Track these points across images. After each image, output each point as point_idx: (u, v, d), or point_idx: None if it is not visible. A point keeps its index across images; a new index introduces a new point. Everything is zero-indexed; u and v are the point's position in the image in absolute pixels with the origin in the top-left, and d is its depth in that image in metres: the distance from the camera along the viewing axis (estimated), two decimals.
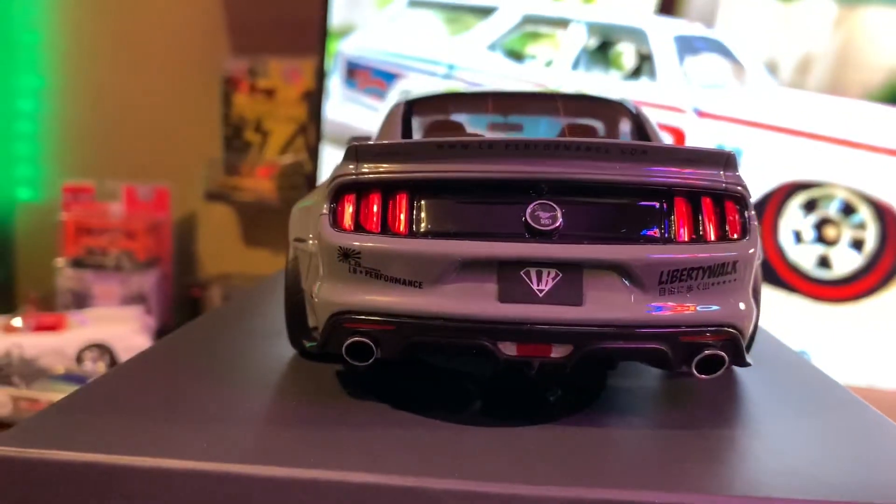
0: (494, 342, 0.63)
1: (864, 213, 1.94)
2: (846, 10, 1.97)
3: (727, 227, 0.64)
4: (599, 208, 0.64)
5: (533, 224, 0.63)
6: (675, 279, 0.62)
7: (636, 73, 2.16)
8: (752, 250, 0.64)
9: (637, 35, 2.15)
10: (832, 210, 1.96)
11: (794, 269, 1.99)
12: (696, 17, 2.10)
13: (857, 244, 1.95)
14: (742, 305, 0.64)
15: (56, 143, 2.95)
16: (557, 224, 0.62)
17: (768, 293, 2.00)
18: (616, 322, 0.62)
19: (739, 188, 0.64)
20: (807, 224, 1.98)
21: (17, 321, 2.15)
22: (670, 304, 0.62)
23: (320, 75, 2.44)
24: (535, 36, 2.24)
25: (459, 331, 0.63)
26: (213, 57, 2.79)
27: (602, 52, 2.19)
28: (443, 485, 0.54)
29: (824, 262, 1.98)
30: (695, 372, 0.64)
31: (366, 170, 0.66)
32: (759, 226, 0.67)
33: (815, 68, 1.99)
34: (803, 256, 1.99)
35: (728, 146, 2.02)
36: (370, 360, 0.65)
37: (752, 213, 0.65)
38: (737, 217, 0.64)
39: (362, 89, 2.39)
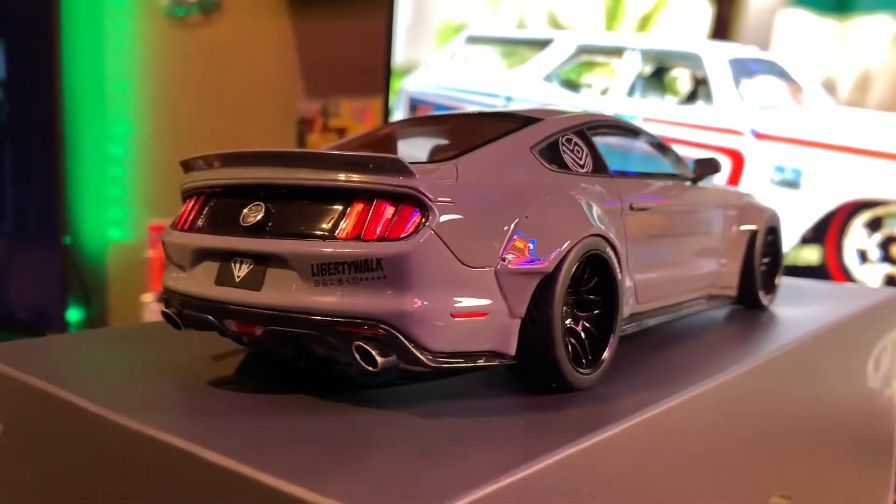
0: (219, 319, 0.74)
1: None
2: None
3: (389, 228, 0.66)
4: (290, 208, 0.72)
5: (241, 222, 0.73)
6: (326, 272, 0.67)
7: (692, 97, 2.16)
8: (405, 251, 0.65)
9: (692, 60, 2.16)
10: None
11: None
12: (751, 39, 2.10)
13: None
14: (403, 304, 0.65)
15: (143, 184, 3.14)
16: (257, 221, 0.72)
17: None
18: (279, 307, 0.69)
19: (413, 192, 0.66)
20: (872, 243, 1.93)
21: None
22: (322, 294, 0.67)
23: (386, 113, 2.54)
24: (590, 65, 2.28)
25: (197, 307, 0.76)
26: (289, 100, 2.93)
27: (657, 77, 2.21)
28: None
29: (893, 282, 1.92)
30: (362, 364, 0.67)
31: (184, 181, 0.83)
32: (456, 231, 0.67)
33: (874, 85, 1.95)
34: (870, 276, 1.94)
35: (787, 167, 2.00)
36: (182, 329, 0.80)
37: (435, 217, 0.66)
38: (402, 219, 0.66)
39: None
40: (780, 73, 2.07)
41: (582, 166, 0.87)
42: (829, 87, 2.00)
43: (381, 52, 2.53)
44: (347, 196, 0.69)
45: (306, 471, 0.54)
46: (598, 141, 0.94)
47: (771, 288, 1.27)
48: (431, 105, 2.45)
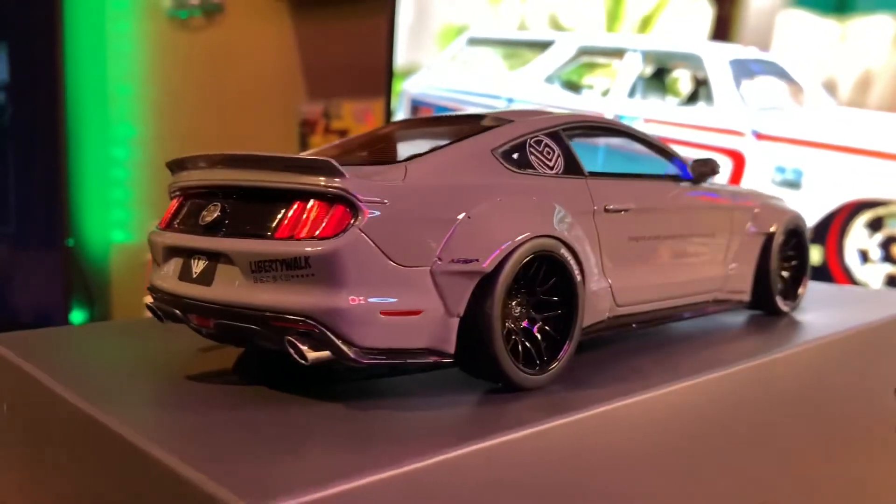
0: (184, 312, 0.79)
1: None
2: None
3: (318, 228, 0.69)
4: (240, 208, 0.76)
5: (199, 221, 0.77)
6: (262, 269, 0.70)
7: (693, 98, 2.17)
8: (330, 249, 0.67)
9: (692, 61, 2.16)
10: None
11: None
12: (751, 40, 2.10)
13: None
14: (329, 301, 0.68)
15: (145, 187, 3.15)
16: (212, 221, 0.76)
17: None
18: (224, 302, 0.73)
19: (343, 193, 0.69)
20: (873, 243, 1.94)
21: None
22: (260, 290, 0.71)
23: (388, 114, 2.54)
24: (591, 66, 2.29)
25: (167, 301, 0.80)
26: (291, 101, 2.93)
27: (658, 79, 2.22)
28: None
29: (894, 282, 1.93)
30: (296, 357, 0.69)
31: (169, 182, 0.86)
32: (386, 231, 0.69)
33: (874, 86, 1.96)
34: (871, 276, 1.95)
35: (788, 167, 2.01)
36: (163, 322, 0.83)
37: (363, 217, 0.68)
38: (331, 219, 0.69)
39: None
40: (781, 74, 2.08)
41: (551, 168, 0.87)
42: (830, 88, 2.01)
43: (383, 54, 2.54)
44: (289, 197, 0.72)
45: (212, 459, 0.57)
46: (580, 143, 0.94)
47: (792, 294, 1.22)
48: (433, 107, 2.46)
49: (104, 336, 1.07)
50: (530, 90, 2.32)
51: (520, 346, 0.77)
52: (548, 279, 0.80)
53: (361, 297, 0.68)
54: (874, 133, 1.94)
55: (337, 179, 0.69)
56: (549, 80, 2.31)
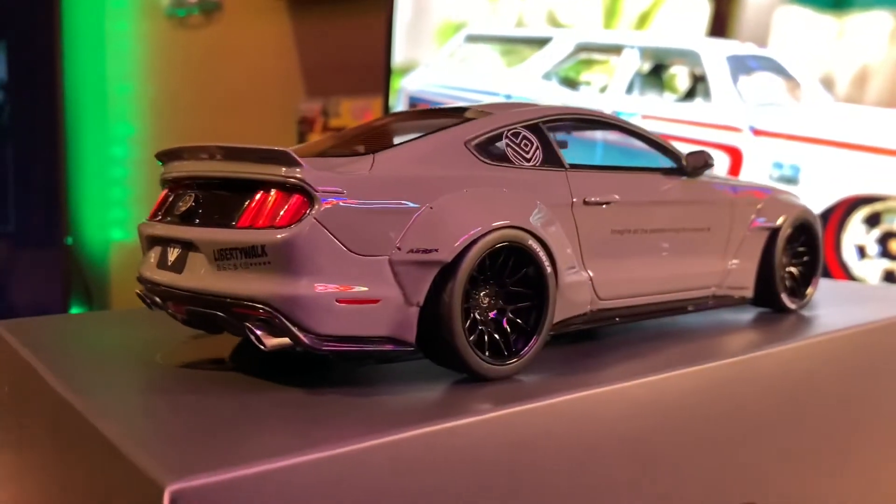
0: (163, 300, 0.80)
1: None
2: None
3: (276, 217, 0.70)
4: (209, 198, 0.78)
5: (175, 211, 0.80)
6: (224, 257, 0.72)
7: (690, 94, 2.17)
8: (285, 238, 0.69)
9: (690, 57, 2.16)
10: None
11: None
12: (748, 36, 2.11)
13: None
14: (284, 289, 0.69)
15: (144, 185, 3.14)
16: (185, 210, 0.78)
17: None
18: (192, 289, 0.76)
19: (300, 183, 0.70)
20: (871, 239, 1.94)
21: None
22: (222, 277, 0.73)
23: (386, 112, 2.55)
24: (588, 63, 2.29)
25: (149, 289, 0.82)
26: (289, 100, 2.93)
27: (656, 75, 2.22)
28: None
29: (891, 278, 1.93)
30: (256, 343, 0.71)
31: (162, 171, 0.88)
32: (338, 219, 0.70)
33: (872, 82, 1.96)
34: (869, 272, 1.95)
35: (785, 163, 2.01)
36: (152, 309, 0.85)
37: (319, 206, 0.69)
38: (289, 208, 0.70)
39: None
40: (778, 70, 2.08)
41: (528, 160, 0.87)
42: (827, 84, 2.01)
43: (381, 51, 2.54)
44: (253, 187, 0.73)
45: (153, 437, 0.60)
46: (563, 136, 0.94)
47: (800, 291, 1.19)
48: (431, 104, 2.46)
49: (98, 324, 1.10)
50: (528, 87, 2.32)
51: (486, 337, 0.78)
52: (517, 270, 0.80)
53: (317, 285, 0.70)
54: (871, 129, 1.94)
55: (296, 170, 0.70)
56: (547, 76, 2.31)
